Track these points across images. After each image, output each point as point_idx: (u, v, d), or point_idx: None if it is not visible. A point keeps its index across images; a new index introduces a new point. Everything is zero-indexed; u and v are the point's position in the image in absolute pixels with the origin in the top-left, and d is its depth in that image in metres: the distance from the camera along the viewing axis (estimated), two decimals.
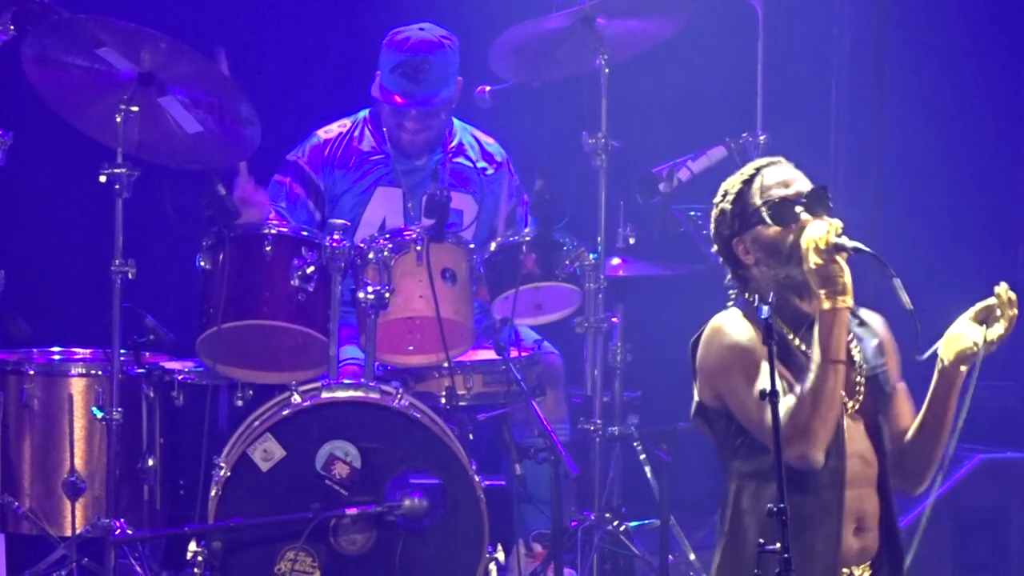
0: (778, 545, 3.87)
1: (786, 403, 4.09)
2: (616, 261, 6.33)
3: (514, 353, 6.10)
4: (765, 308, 4.02)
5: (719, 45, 7.11)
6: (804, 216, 4.15)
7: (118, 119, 6.04)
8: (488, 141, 6.80)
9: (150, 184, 6.32)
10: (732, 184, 4.28)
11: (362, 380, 5.92)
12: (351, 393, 5.84)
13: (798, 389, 4.10)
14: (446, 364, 5.98)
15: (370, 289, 5.89)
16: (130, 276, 6.07)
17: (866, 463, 4.17)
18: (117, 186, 6.08)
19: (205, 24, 7.55)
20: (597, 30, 6.27)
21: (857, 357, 4.25)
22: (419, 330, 6.06)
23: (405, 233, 6.08)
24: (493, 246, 6.18)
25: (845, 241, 4.06)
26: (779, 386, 4.07)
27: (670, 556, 6.28)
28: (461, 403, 6.04)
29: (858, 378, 4.21)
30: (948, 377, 4.18)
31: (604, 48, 6.24)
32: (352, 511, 5.65)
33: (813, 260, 4.07)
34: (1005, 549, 6.67)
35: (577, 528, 6.19)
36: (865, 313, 4.30)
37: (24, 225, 6.85)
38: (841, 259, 4.08)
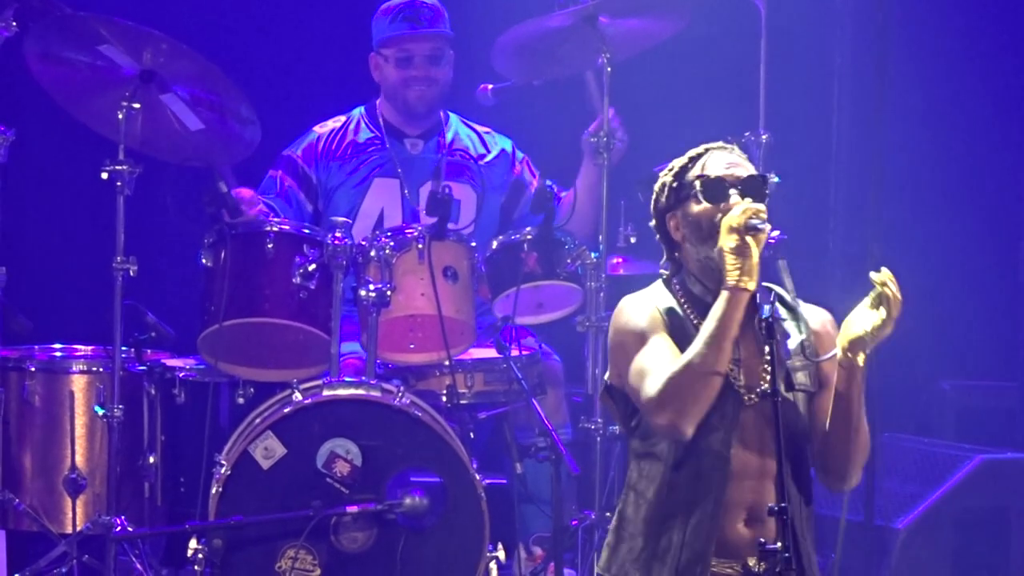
0: (779, 544, 3.86)
1: (663, 371, 4.09)
2: (617, 260, 6.29)
3: (515, 352, 6.09)
4: (767, 308, 4.01)
5: (721, 44, 7.14)
6: (735, 198, 4.18)
7: (120, 115, 6.05)
8: (485, 131, 6.82)
9: (152, 181, 6.33)
10: (679, 161, 4.31)
11: (363, 378, 5.91)
12: (352, 391, 5.82)
13: (677, 360, 4.09)
14: (447, 362, 5.98)
15: (372, 287, 5.89)
16: (131, 273, 6.07)
17: (764, 456, 4.16)
18: (119, 183, 6.08)
19: (205, 23, 7.55)
20: (599, 29, 6.26)
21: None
22: (420, 328, 6.06)
23: (407, 231, 6.08)
24: (495, 244, 6.18)
25: (759, 223, 4.07)
26: (666, 355, 4.11)
27: None
28: (462, 401, 6.03)
29: (764, 370, 4.18)
30: (847, 367, 4.15)
31: (606, 47, 6.24)
32: (353, 509, 5.64)
33: (725, 238, 4.08)
34: (1005, 550, 6.67)
35: (578, 527, 6.18)
36: (807, 308, 4.30)
37: (26, 222, 6.83)
38: (752, 242, 4.07)
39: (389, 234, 6.07)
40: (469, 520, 5.72)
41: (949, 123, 7.85)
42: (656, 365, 4.12)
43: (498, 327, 6.18)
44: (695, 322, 4.20)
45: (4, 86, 6.26)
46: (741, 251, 4.07)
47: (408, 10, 6.68)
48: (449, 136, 6.79)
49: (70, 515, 6.20)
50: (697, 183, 4.19)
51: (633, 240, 6.34)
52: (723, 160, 4.26)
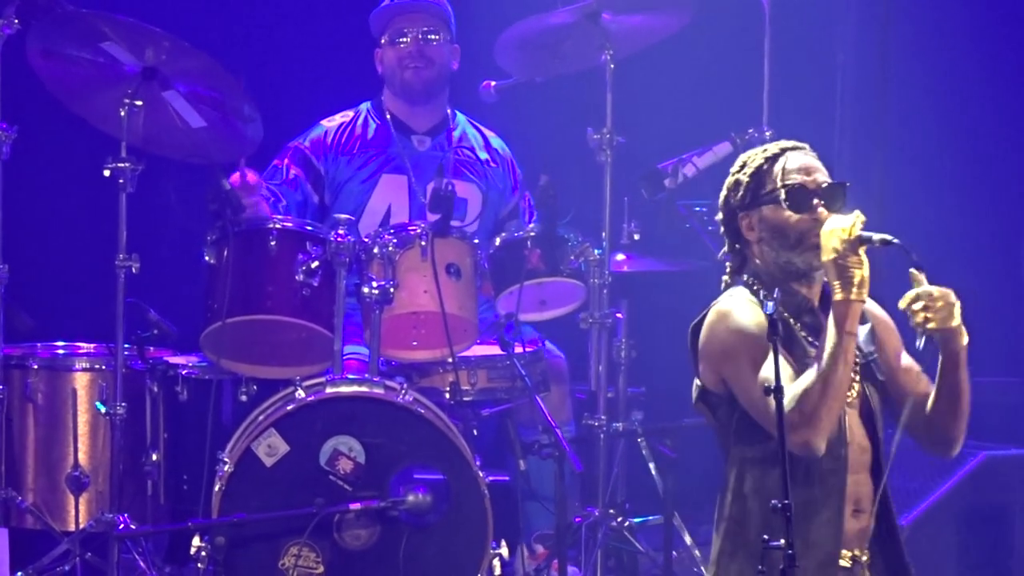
0: (782, 541, 3.86)
1: (792, 390, 4.06)
2: (620, 257, 6.32)
3: (518, 349, 6.08)
4: (770, 304, 3.97)
5: (725, 40, 7.11)
6: (820, 209, 4.16)
7: (122, 112, 6.03)
8: (491, 135, 6.79)
9: (154, 178, 6.32)
10: (753, 158, 4.28)
11: (366, 375, 5.91)
12: (355, 388, 5.81)
13: (805, 377, 4.07)
14: (450, 359, 5.94)
15: (374, 284, 5.88)
16: (134, 271, 6.06)
17: (862, 450, 4.18)
18: (121, 180, 6.06)
19: (208, 20, 7.52)
20: (602, 25, 6.25)
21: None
22: (423, 325, 6.03)
23: (410, 228, 6.07)
24: (498, 241, 6.18)
25: (872, 234, 4.06)
26: (785, 372, 4.05)
27: (674, 552, 6.28)
28: (465, 398, 6.00)
29: (854, 370, 4.19)
30: (948, 350, 4.14)
31: (609, 44, 6.23)
32: (356, 506, 5.63)
33: (834, 250, 4.06)
34: (1008, 546, 6.69)
35: (581, 524, 6.18)
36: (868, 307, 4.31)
37: (28, 219, 6.72)
38: (862, 252, 4.07)
39: (392, 231, 6.06)
40: (472, 517, 5.70)
41: (952, 119, 7.84)
42: (785, 381, 4.10)
43: (501, 324, 6.13)
44: (792, 322, 4.21)
45: (6, 83, 6.15)
46: (850, 263, 4.07)
47: None
48: (457, 134, 6.77)
49: (73, 513, 6.19)
50: (782, 191, 4.19)
51: (637, 237, 6.37)
52: (801, 162, 4.26)
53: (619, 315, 6.34)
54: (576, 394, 6.60)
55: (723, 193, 4.33)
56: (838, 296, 4.08)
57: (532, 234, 6.15)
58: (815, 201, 4.17)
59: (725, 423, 4.25)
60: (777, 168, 4.21)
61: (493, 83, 6.57)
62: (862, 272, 4.07)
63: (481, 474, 5.71)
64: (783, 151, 4.26)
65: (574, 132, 6.46)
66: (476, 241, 6.10)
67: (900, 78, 7.08)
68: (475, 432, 5.96)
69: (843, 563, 4.18)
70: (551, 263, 6.13)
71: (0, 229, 6.21)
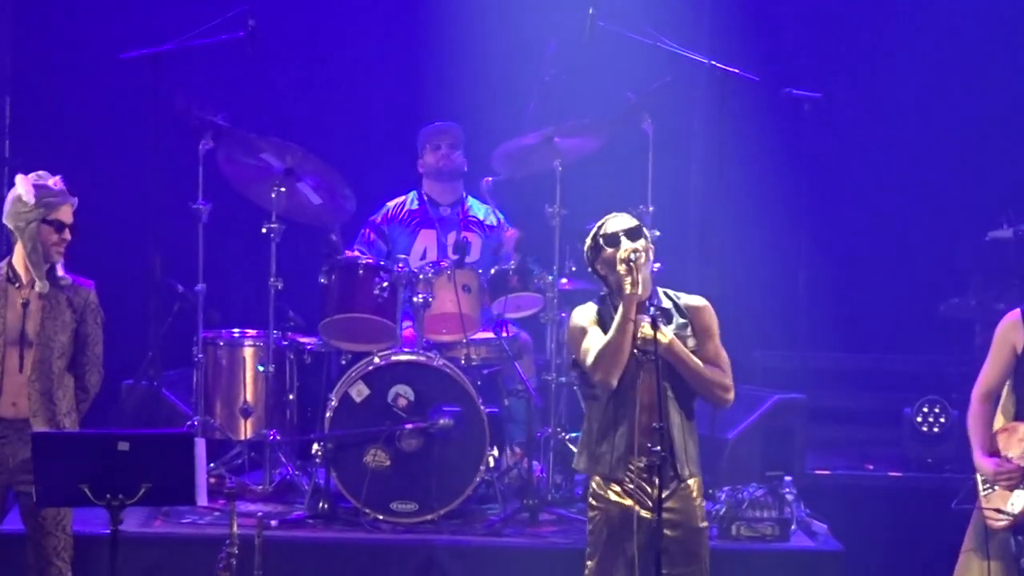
0: (659, 448, 3.94)
1: (597, 348, 4.04)
2: (564, 280, 6.14)
3: (504, 334, 6.06)
4: (652, 308, 3.99)
5: (628, 153, 6.51)
6: (625, 242, 4.07)
7: (272, 195, 5.95)
8: (488, 208, 6.56)
9: (291, 236, 6.15)
10: (592, 231, 4.22)
11: (416, 349, 5.85)
12: (408, 357, 5.78)
13: (603, 340, 4.04)
14: (464, 340, 5.92)
15: (420, 296, 5.85)
16: (279, 287, 5.99)
17: (650, 394, 4.05)
18: (272, 235, 5.96)
19: (324, 137, 7.15)
20: (554, 144, 6.06)
21: (646, 330, 4.03)
22: (449, 320, 5.97)
23: (441, 263, 5.99)
24: (492, 271, 6.06)
25: (634, 256, 3.98)
26: (597, 339, 4.04)
27: None
28: (472, 363, 5.96)
29: (650, 342, 4.04)
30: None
31: (559, 155, 6.03)
32: (409, 426, 5.63)
33: (619, 266, 4.01)
34: (790, 452, 6.43)
35: (541, 437, 6.07)
36: (686, 297, 4.20)
37: (218, 258, 6.56)
38: (634, 266, 3.97)
39: (430, 265, 5.98)
40: (476, 433, 5.68)
41: (771, 190, 7.43)
42: (592, 345, 4.08)
43: (494, 319, 6.09)
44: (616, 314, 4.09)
45: (206, 178, 6.07)
46: (629, 271, 3.99)
47: (438, 124, 6.51)
48: (467, 206, 6.56)
49: (243, 429, 6.11)
50: (601, 239, 4.15)
51: (574, 269, 6.17)
52: (614, 222, 4.18)
53: (563, 315, 6.01)
54: (537, 361, 6.45)
55: (585, 253, 4.25)
56: (626, 291, 3.99)
57: (512, 266, 6.05)
58: (621, 238, 4.09)
59: (580, 377, 4.26)
60: (601, 231, 4.16)
61: (490, 178, 6.35)
62: (635, 276, 3.97)
63: (482, 408, 5.70)
64: (606, 220, 4.20)
65: (538, 206, 6.15)
66: (479, 271, 6.01)
67: (732, 171, 6.51)
68: (479, 383, 5.88)
69: (637, 463, 4.08)
70: (524, 283, 6.04)
71: (203, 262, 6.02)
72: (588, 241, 4.22)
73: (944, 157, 7.83)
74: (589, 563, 4.17)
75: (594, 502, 4.18)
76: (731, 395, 4.17)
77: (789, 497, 5.59)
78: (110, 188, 7.02)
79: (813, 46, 7.91)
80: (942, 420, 6.77)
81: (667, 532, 4.05)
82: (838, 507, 6.22)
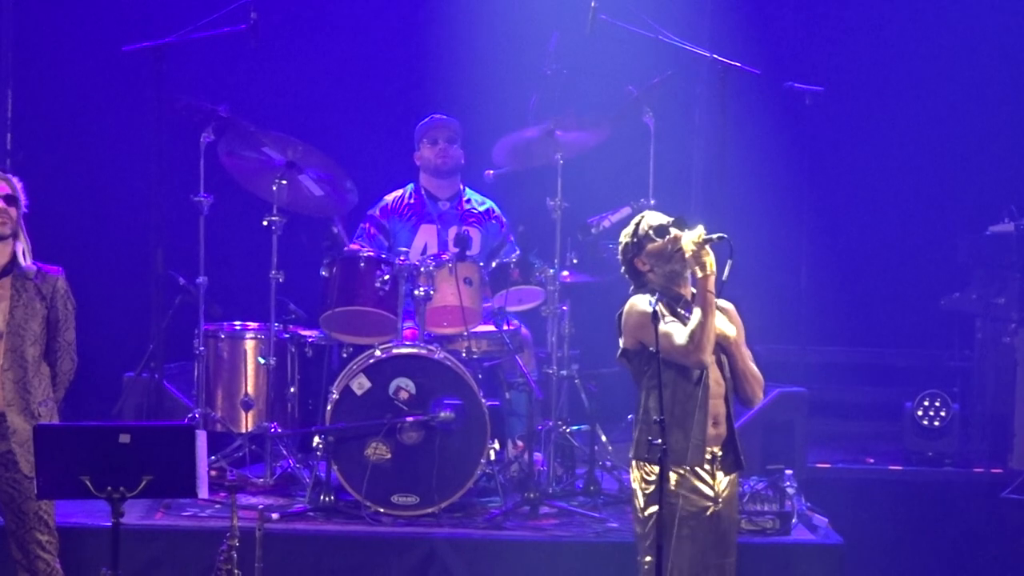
0: (659, 441, 3.90)
1: (686, 331, 3.97)
2: (565, 273, 6.12)
3: (505, 327, 6.01)
4: (652, 300, 3.98)
5: (627, 147, 6.61)
6: (674, 230, 4.08)
7: (274, 187, 5.94)
8: (487, 200, 6.54)
9: (292, 227, 6.13)
10: (629, 228, 4.20)
11: (416, 342, 5.82)
12: (410, 350, 5.74)
13: (691, 323, 3.98)
14: (465, 333, 5.88)
15: (422, 289, 5.82)
16: (280, 280, 5.98)
17: (718, 384, 4.09)
18: (273, 228, 5.95)
19: (326, 130, 7.15)
20: (556, 138, 6.04)
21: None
22: (450, 313, 5.94)
23: (442, 256, 5.97)
24: (494, 264, 6.04)
25: (711, 235, 4.00)
26: (679, 328, 4.00)
27: (596, 446, 6.11)
28: (473, 356, 5.93)
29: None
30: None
31: (560, 149, 6.01)
32: (410, 419, 5.59)
33: (689, 249, 3.99)
34: (791, 444, 6.34)
35: (541, 430, 6.05)
36: (721, 302, 4.17)
37: (219, 249, 6.48)
38: (708, 247, 3.99)
39: (431, 258, 5.96)
40: (478, 425, 5.65)
41: (759, 187, 7.32)
42: (677, 328, 4.00)
43: (495, 313, 6.05)
44: (680, 310, 4.08)
45: (207, 171, 6.03)
46: (701, 253, 3.99)
47: (435, 118, 6.47)
48: (465, 198, 6.53)
49: (244, 422, 6.10)
50: (651, 231, 4.11)
51: (575, 261, 6.17)
52: (653, 216, 4.18)
53: (564, 307, 6.11)
54: (538, 354, 6.42)
55: (620, 248, 4.23)
56: (699, 275, 3.98)
57: (514, 259, 6.02)
58: (671, 228, 4.09)
59: (637, 367, 4.13)
60: (643, 225, 4.16)
61: (491, 171, 6.32)
62: (709, 258, 3.98)
63: (483, 400, 5.66)
64: (642, 218, 4.21)
65: (540, 199, 6.16)
66: (480, 264, 5.98)
67: (734, 168, 6.45)
68: (480, 376, 5.84)
69: (706, 455, 4.07)
70: (525, 276, 6.01)
71: (204, 255, 6.01)
72: (627, 239, 4.19)
73: (945, 151, 7.86)
74: (650, 558, 4.04)
75: (648, 491, 4.06)
76: (762, 394, 4.20)
77: (790, 490, 5.57)
78: (112, 181, 7.11)
79: (815, 40, 7.94)
80: (943, 414, 6.75)
81: (722, 522, 4.11)
82: (839, 501, 6.20)
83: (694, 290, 4.05)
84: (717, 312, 4.02)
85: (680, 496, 4.04)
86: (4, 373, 4.50)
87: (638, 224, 4.17)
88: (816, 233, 7.06)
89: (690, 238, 4.01)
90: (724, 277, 4.01)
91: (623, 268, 4.21)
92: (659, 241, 4.07)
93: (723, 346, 4.07)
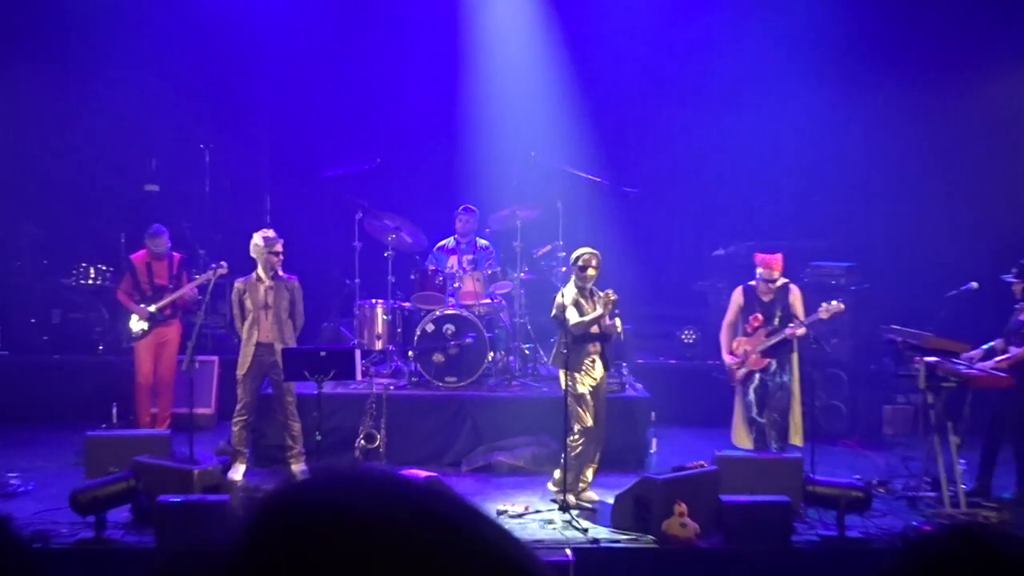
0: (566, 351, 5.46)
1: (575, 319, 5.51)
2: (522, 275, 8.50)
3: (494, 301, 8.79)
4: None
5: (553, 216, 8.94)
6: (608, 292, 5.51)
7: (389, 238, 8.73)
8: (484, 244, 9.23)
9: (398, 256, 8.85)
10: (573, 255, 5.55)
11: (455, 307, 8.69)
12: (451, 311, 8.73)
13: (583, 318, 5.32)
14: (477, 303, 8.80)
15: (457, 284, 8.92)
16: (392, 281, 8.54)
17: (596, 330, 5.67)
18: (388, 257, 8.74)
19: (412, 207, 9.83)
20: (516, 214, 8.88)
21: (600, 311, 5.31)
22: (470, 295, 8.86)
23: (465, 268, 9.06)
24: (489, 272, 8.99)
25: (611, 298, 5.18)
26: (579, 313, 5.48)
27: (539, 353, 8.68)
28: (481, 314, 8.63)
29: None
30: None
31: (519, 219, 8.76)
32: (453, 343, 8.49)
33: (606, 300, 5.24)
34: (626, 352, 8.94)
35: (513, 347, 8.78)
36: (611, 293, 5.65)
37: (366, 266, 9.08)
38: (608, 302, 5.34)
39: (460, 269, 9.07)
40: (483, 345, 8.51)
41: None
42: (573, 314, 5.47)
43: (489, 293, 8.70)
44: (583, 292, 5.30)
45: (360, 230, 8.71)
46: (606, 303, 5.36)
47: (464, 207, 9.32)
48: (475, 242, 9.42)
49: (377, 345, 8.91)
50: (578, 260, 5.84)
51: (527, 269, 8.43)
52: (580, 250, 5.88)
53: (522, 291, 8.34)
54: (510, 313, 8.66)
55: (571, 260, 5.76)
56: (601, 310, 5.29)
57: (499, 269, 8.96)
58: (591, 262, 5.41)
59: (559, 321, 5.88)
60: (576, 255, 5.58)
61: (488, 229, 8.90)
62: (607, 306, 5.14)
63: (485, 334, 8.49)
64: (577, 252, 5.66)
65: (510, 242, 8.57)
66: (481, 271, 8.88)
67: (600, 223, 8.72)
68: (484, 322, 8.35)
69: (589, 360, 5.67)
70: (503, 276, 8.69)
71: (359, 269, 8.59)
72: (572, 259, 6.03)
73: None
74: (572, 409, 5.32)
75: (564, 378, 5.62)
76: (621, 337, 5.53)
77: (624, 372, 9.44)
78: (324, 251, 10.49)
79: (641, 155, 11.07)
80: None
81: (599, 392, 6.04)
82: (649, 378, 9.42)
83: (593, 287, 5.92)
84: (598, 309, 6.15)
85: (580, 380, 5.97)
86: (273, 325, 7.71)
87: (577, 255, 6.08)
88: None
89: (607, 296, 5.86)
90: (608, 311, 5.79)
91: (565, 269, 5.92)
92: (580, 265, 5.65)
93: (598, 321, 6.03)
